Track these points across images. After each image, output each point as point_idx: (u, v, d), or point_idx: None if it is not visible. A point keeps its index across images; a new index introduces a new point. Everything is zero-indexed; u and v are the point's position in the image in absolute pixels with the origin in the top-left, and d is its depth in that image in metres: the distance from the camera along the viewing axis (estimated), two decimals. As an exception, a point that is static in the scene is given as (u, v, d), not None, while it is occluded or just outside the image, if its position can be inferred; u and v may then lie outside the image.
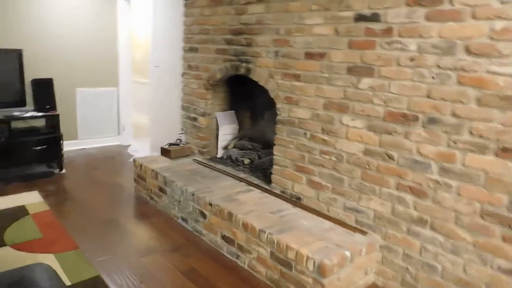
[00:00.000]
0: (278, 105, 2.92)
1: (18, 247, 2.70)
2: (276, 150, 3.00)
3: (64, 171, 4.27)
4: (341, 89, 2.48)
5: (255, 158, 3.54)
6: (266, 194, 2.97)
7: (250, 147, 3.64)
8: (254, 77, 3.09)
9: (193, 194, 2.99)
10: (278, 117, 2.94)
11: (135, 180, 3.79)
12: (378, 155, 2.33)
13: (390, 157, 2.27)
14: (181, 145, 3.90)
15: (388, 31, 2.21)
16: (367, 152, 2.38)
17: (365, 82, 2.34)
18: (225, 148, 3.77)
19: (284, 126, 2.90)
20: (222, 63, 3.39)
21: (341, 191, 2.54)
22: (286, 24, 2.78)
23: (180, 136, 4.01)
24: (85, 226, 3.07)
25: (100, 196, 3.66)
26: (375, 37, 2.27)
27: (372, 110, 2.33)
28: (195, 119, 3.82)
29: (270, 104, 3.14)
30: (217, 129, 3.77)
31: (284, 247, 2.28)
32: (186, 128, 3.96)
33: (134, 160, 3.77)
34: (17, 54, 4.11)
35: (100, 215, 3.28)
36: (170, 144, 3.87)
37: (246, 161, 3.53)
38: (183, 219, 3.13)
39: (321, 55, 2.57)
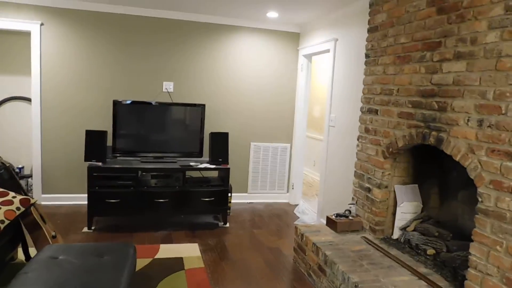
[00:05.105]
0: (480, 189, 2.19)
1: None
2: (474, 249, 2.23)
3: (227, 225, 4.24)
4: None
5: (442, 249, 2.78)
6: (456, 308, 2.22)
7: (437, 233, 2.89)
8: (447, 149, 2.44)
9: (356, 286, 2.45)
10: (480, 205, 2.20)
11: (294, 249, 3.44)
12: None
13: None
14: (350, 217, 3.41)
15: None
16: None
17: None
18: (403, 229, 3.11)
19: (488, 219, 2.14)
20: (406, 129, 2.84)
21: None
22: (497, 86, 2.10)
23: (350, 207, 3.52)
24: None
25: (257, 261, 3.42)
26: None
27: None
28: (369, 190, 3.30)
29: (468, 183, 2.42)
30: (395, 205, 3.16)
31: None
32: (358, 198, 3.45)
33: (296, 228, 3.44)
34: (201, 108, 4.36)
35: (251, 285, 3.01)
36: (337, 215, 3.42)
37: (430, 251, 2.80)
38: (342, 313, 2.60)
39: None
